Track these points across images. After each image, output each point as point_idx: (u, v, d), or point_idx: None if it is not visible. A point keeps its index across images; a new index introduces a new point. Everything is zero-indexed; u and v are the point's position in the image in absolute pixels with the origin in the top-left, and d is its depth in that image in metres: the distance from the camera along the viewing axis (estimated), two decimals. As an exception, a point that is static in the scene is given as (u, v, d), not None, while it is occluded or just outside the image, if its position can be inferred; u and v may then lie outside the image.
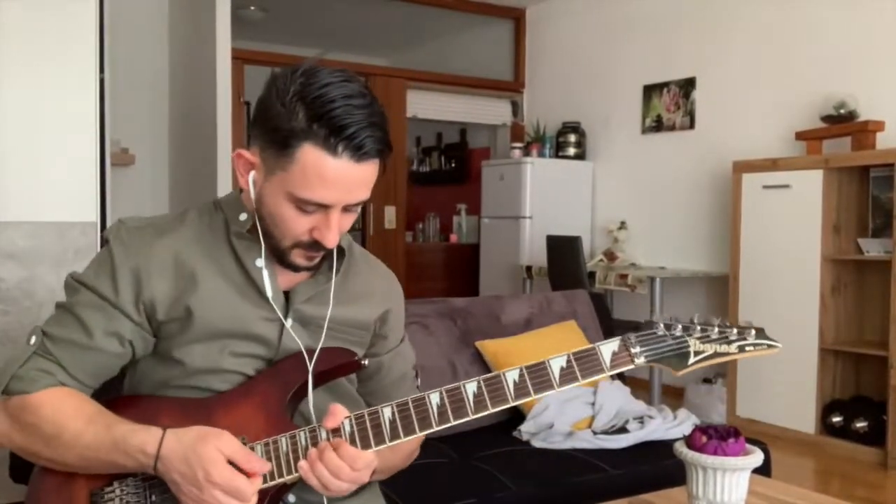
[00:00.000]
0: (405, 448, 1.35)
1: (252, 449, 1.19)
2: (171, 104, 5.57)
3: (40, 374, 1.20)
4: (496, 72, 6.76)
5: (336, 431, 1.19)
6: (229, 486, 1.12)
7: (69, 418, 1.17)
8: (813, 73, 4.46)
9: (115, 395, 1.32)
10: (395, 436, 1.19)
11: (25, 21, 2.71)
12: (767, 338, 1.21)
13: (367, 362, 1.33)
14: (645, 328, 1.24)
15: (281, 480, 1.18)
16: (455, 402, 1.19)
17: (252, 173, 1.22)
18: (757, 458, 1.40)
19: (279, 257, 1.25)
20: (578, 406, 2.54)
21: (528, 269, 5.61)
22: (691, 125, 5.22)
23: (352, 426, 1.19)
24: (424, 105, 6.55)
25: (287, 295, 1.29)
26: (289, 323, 1.28)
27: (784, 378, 4.14)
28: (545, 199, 5.82)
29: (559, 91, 6.30)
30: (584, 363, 1.21)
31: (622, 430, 2.46)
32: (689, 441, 1.43)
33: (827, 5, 4.42)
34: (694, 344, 1.22)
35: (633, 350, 1.21)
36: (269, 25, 6.81)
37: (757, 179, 4.36)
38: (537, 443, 2.45)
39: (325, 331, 1.29)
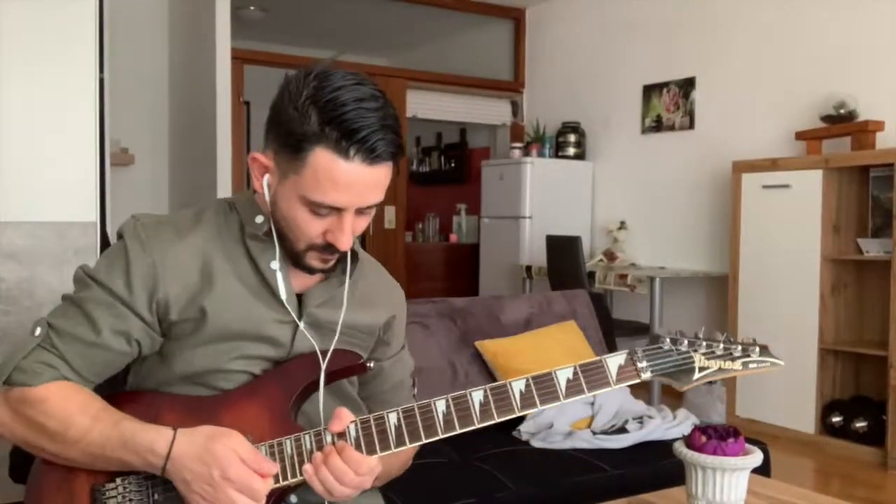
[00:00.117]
0: (403, 456, 1.35)
1: (257, 450, 1.19)
2: (171, 104, 5.57)
3: (44, 367, 1.19)
4: (496, 72, 6.76)
5: (341, 436, 1.19)
6: (245, 484, 1.13)
7: (75, 414, 1.17)
8: (813, 73, 4.46)
9: (119, 389, 1.32)
10: (400, 442, 1.19)
11: (25, 21, 2.71)
12: (771, 355, 1.23)
13: (371, 365, 1.34)
14: (651, 342, 1.25)
15: (285, 483, 1.18)
16: (461, 411, 1.19)
17: (267, 176, 1.22)
18: (756, 458, 1.40)
19: (294, 260, 1.25)
20: (578, 406, 2.54)
21: (528, 269, 5.61)
22: (691, 125, 5.22)
23: (357, 431, 1.19)
24: (424, 105, 6.55)
25: (299, 298, 1.30)
26: (302, 325, 1.28)
27: (784, 378, 4.14)
28: (545, 199, 5.82)
29: (559, 91, 6.30)
30: (591, 376, 1.22)
31: (622, 430, 2.46)
32: (689, 441, 1.43)
33: (827, 5, 4.42)
34: (699, 359, 1.23)
35: (639, 364, 1.22)
36: (269, 25, 6.81)
37: (757, 179, 4.36)
38: (537, 443, 2.45)
39: (337, 334, 1.29)
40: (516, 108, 6.74)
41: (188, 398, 1.25)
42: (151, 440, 1.15)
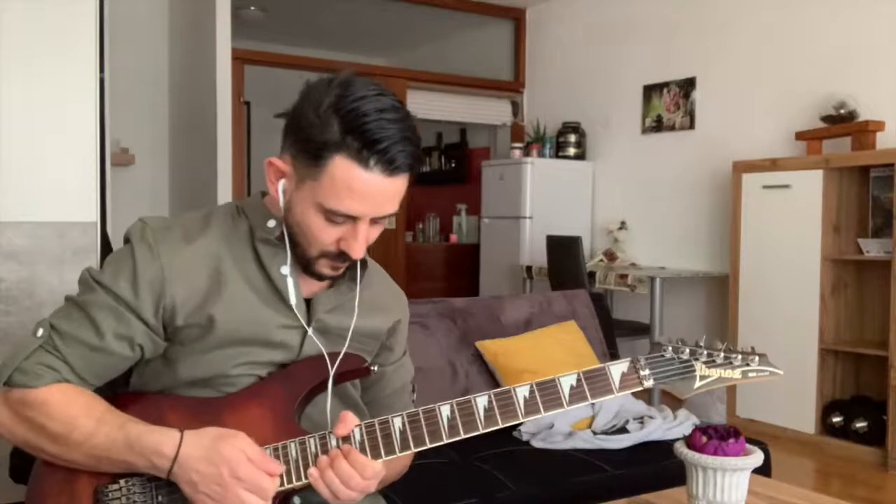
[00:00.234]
0: (402, 461, 1.36)
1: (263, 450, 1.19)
2: (171, 104, 5.57)
3: (45, 369, 1.19)
4: (496, 72, 6.76)
5: (346, 439, 1.19)
6: (254, 483, 1.13)
7: (79, 417, 1.17)
8: (813, 73, 4.46)
9: (119, 391, 1.31)
10: (405, 446, 1.19)
11: (26, 21, 2.71)
12: (770, 364, 1.26)
13: (375, 368, 1.34)
14: (653, 350, 1.27)
15: (290, 486, 1.19)
16: (465, 416, 1.20)
17: (282, 181, 1.22)
18: (757, 458, 1.40)
19: (304, 266, 1.25)
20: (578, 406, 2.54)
21: (528, 269, 5.61)
22: (691, 125, 5.22)
23: (362, 435, 1.20)
24: (424, 105, 6.54)
25: (308, 303, 1.30)
26: (311, 331, 1.28)
27: (784, 378, 4.09)
28: (545, 199, 5.82)
29: (559, 91, 6.30)
30: (594, 383, 1.23)
31: (622, 430, 2.46)
32: (689, 441, 1.43)
33: (827, 5, 4.42)
34: (700, 368, 1.26)
35: (642, 372, 1.24)
36: (269, 25, 6.81)
37: (757, 179, 4.36)
38: (537, 443, 2.45)
39: (348, 341, 1.30)
40: (516, 108, 6.74)
41: (193, 400, 1.25)
42: (158, 442, 1.15)
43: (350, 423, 1.20)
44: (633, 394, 2.73)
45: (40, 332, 1.21)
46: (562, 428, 2.46)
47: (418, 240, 7.68)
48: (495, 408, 1.20)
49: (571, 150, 5.96)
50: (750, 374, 1.25)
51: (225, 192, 4.90)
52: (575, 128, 5.97)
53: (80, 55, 2.80)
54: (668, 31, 5.35)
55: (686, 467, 1.43)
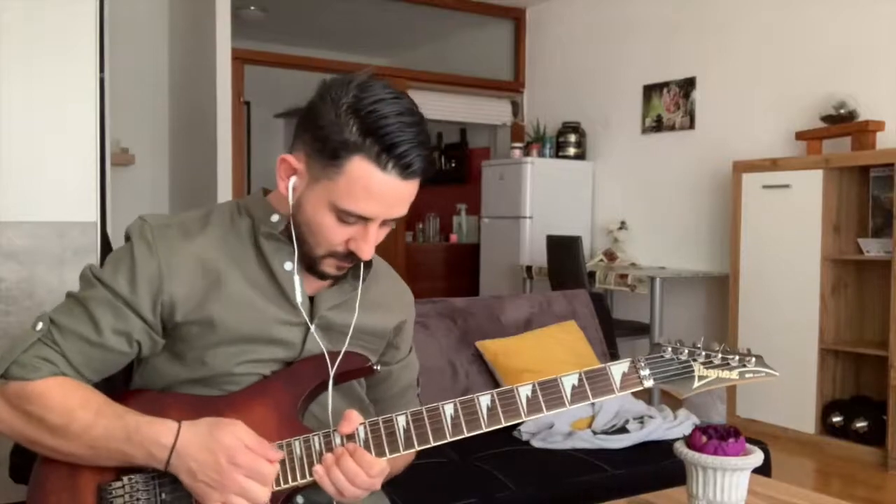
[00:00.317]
0: (408, 456, 1.36)
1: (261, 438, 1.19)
2: (171, 104, 5.57)
3: (43, 362, 1.19)
4: (496, 72, 6.76)
5: (350, 437, 1.20)
6: (253, 469, 1.14)
7: (77, 409, 1.17)
8: (813, 73, 4.46)
9: (119, 388, 1.31)
10: (408, 445, 1.20)
11: (25, 21, 2.71)
12: (766, 366, 1.28)
13: (379, 368, 1.34)
14: (652, 351, 1.29)
15: (294, 484, 1.19)
16: (469, 415, 1.21)
17: (293, 179, 1.22)
18: (757, 458, 1.40)
19: (309, 264, 1.26)
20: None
21: (528, 269, 5.61)
22: (691, 125, 5.22)
23: (366, 433, 1.20)
24: (424, 105, 6.47)
25: (311, 300, 1.30)
26: (313, 328, 1.28)
27: (784, 378, 4.11)
28: (545, 199, 5.82)
29: (559, 91, 6.30)
30: (595, 382, 1.25)
31: (622, 430, 2.46)
32: (689, 441, 1.43)
33: (827, 5, 4.42)
34: (698, 369, 1.28)
35: (641, 372, 1.26)
36: (269, 25, 6.81)
37: (757, 179, 4.36)
38: (537, 443, 2.45)
39: (348, 338, 1.30)
40: (516, 108, 6.74)
41: (195, 398, 1.25)
42: (156, 432, 1.15)
43: (354, 421, 1.20)
44: (633, 393, 2.73)
45: (39, 325, 1.22)
46: (562, 428, 2.46)
47: (418, 240, 7.68)
48: (498, 407, 1.21)
49: (571, 150, 5.96)
50: (747, 375, 1.26)
51: (225, 192, 4.90)
52: (575, 128, 5.97)
53: (80, 55, 2.80)
54: (668, 31, 5.35)
55: (686, 467, 1.43)
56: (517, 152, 6.11)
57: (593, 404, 2.56)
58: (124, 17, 4.53)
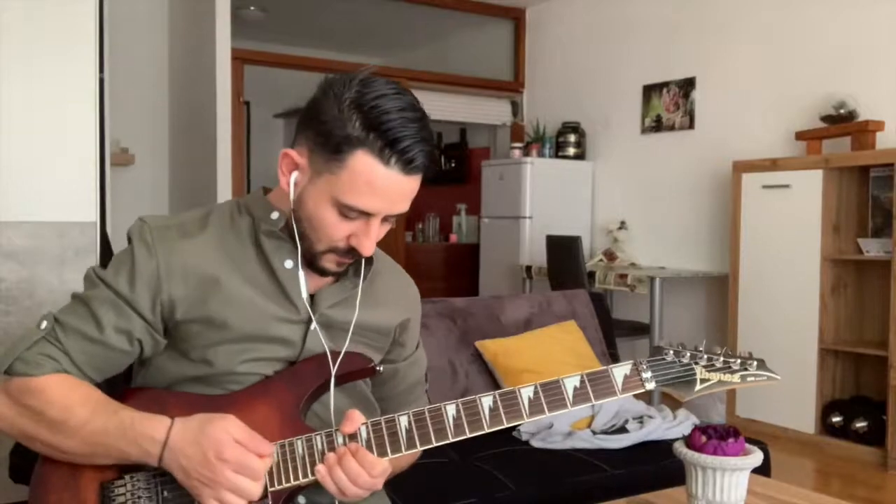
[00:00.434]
0: (410, 456, 1.36)
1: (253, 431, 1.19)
2: (171, 104, 5.57)
3: (45, 359, 1.20)
4: (496, 72, 6.76)
5: (352, 437, 1.20)
6: (241, 463, 1.13)
7: (76, 405, 1.18)
8: (813, 73, 4.46)
9: (119, 391, 1.31)
10: (411, 445, 1.20)
11: (25, 21, 2.71)
12: (768, 370, 1.28)
13: (381, 368, 1.34)
14: (654, 354, 1.29)
15: (296, 483, 1.19)
16: (471, 415, 1.21)
17: (295, 174, 1.23)
18: (756, 458, 1.40)
19: (310, 260, 1.26)
20: (578, 406, 2.54)
21: (528, 269, 5.61)
22: (691, 125, 5.22)
23: (368, 432, 1.20)
24: (424, 105, 6.42)
25: (312, 297, 1.30)
26: (313, 326, 1.28)
27: (784, 378, 4.12)
28: (545, 199, 5.82)
29: (559, 91, 6.30)
30: (597, 384, 1.25)
31: (622, 430, 2.46)
32: (689, 441, 1.43)
33: (827, 5, 4.42)
34: (700, 372, 1.28)
35: (643, 375, 1.26)
36: (269, 25, 6.81)
37: (757, 179, 4.36)
38: (537, 443, 2.45)
39: (349, 335, 1.30)
40: (516, 108, 6.74)
41: (197, 396, 1.26)
42: (150, 427, 1.16)
43: (356, 420, 1.20)
44: (634, 394, 2.73)
45: (44, 324, 1.24)
46: (561, 428, 2.46)
47: (418, 240, 7.68)
48: (500, 408, 1.21)
49: (571, 150, 5.96)
50: (748, 379, 1.27)
51: (225, 192, 4.90)
52: (575, 128, 5.97)
53: (80, 55, 2.80)
54: (668, 31, 5.35)
55: (686, 467, 1.43)
56: (517, 152, 6.11)
57: (593, 405, 2.56)
58: (124, 17, 4.54)
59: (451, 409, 1.21)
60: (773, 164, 4.29)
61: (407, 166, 1.17)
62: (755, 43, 4.81)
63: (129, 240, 1.28)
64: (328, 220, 1.20)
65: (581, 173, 5.95)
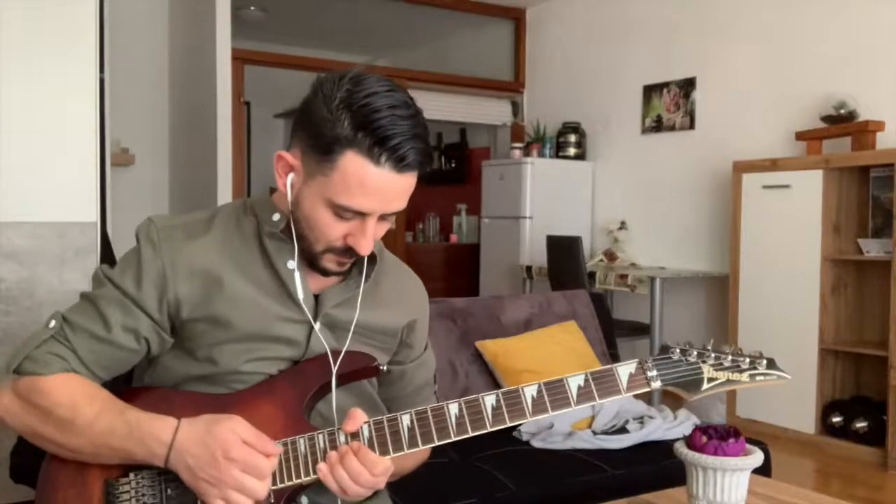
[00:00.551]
0: (420, 454, 1.36)
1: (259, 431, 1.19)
2: (171, 104, 5.57)
3: (54, 358, 1.21)
4: (496, 72, 6.76)
5: (355, 436, 1.20)
6: (249, 463, 1.13)
7: (83, 404, 1.19)
8: (813, 73, 4.46)
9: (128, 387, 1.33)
10: (412, 444, 1.20)
11: (25, 21, 2.71)
12: (778, 368, 1.26)
13: (385, 368, 1.34)
14: (661, 352, 1.28)
15: (298, 482, 1.19)
16: (473, 415, 1.20)
17: (291, 175, 1.22)
18: (757, 458, 1.40)
19: (310, 261, 1.26)
20: (578, 406, 2.54)
21: (528, 269, 5.61)
22: (691, 125, 5.22)
23: (370, 431, 1.20)
24: (424, 105, 6.35)
25: (316, 298, 1.30)
26: (317, 326, 1.28)
27: (784, 378, 4.13)
28: (545, 199, 5.82)
29: (559, 91, 6.30)
30: (602, 383, 1.24)
31: (622, 430, 2.46)
32: (689, 441, 1.43)
33: (827, 6, 4.42)
34: (708, 371, 1.26)
35: (649, 374, 1.25)
36: (269, 25, 6.81)
37: (757, 179, 4.36)
38: (537, 443, 2.45)
39: (350, 335, 1.30)
40: (516, 108, 6.74)
41: (203, 395, 1.26)
42: (156, 428, 1.16)
43: (358, 419, 1.20)
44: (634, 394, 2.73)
45: (52, 323, 1.25)
46: (562, 428, 2.46)
47: (418, 240, 7.68)
48: (503, 407, 1.21)
49: (571, 150, 5.96)
50: (758, 378, 1.24)
51: (225, 192, 4.90)
52: (575, 128, 5.97)
53: (80, 55, 2.80)
54: (668, 31, 5.35)
55: (686, 467, 1.43)
56: (517, 152, 6.11)
57: (594, 405, 2.56)
58: (124, 16, 4.54)
59: (453, 409, 1.21)
60: (773, 165, 4.29)
61: (399, 164, 1.16)
62: (755, 43, 4.81)
63: (137, 239, 1.29)
64: (324, 221, 1.20)
65: (581, 173, 5.95)
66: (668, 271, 5.00)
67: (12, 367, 1.22)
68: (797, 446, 4.06)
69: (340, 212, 1.18)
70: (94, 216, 2.84)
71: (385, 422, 1.21)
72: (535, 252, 5.67)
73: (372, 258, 1.32)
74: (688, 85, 5.22)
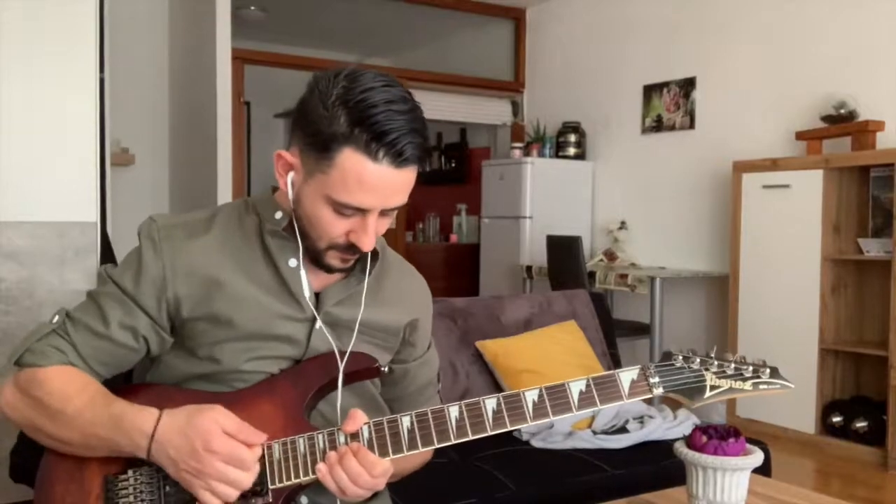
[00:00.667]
0: (422, 455, 1.35)
1: (269, 447, 1.19)
2: (171, 104, 5.57)
3: (53, 350, 1.23)
4: (496, 72, 6.76)
5: (354, 436, 1.19)
6: (230, 454, 1.13)
7: (74, 394, 1.19)
8: (813, 73, 4.46)
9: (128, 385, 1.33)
10: (412, 446, 1.19)
11: (25, 20, 2.71)
12: (781, 377, 1.24)
13: (386, 369, 1.34)
14: (663, 359, 1.27)
15: (297, 481, 1.19)
16: (474, 418, 1.20)
17: (291, 174, 1.22)
18: (757, 458, 1.40)
19: (314, 258, 1.26)
20: (578, 406, 2.54)
21: (528, 269, 5.61)
22: (691, 125, 5.22)
23: (370, 432, 1.20)
24: (424, 105, 6.28)
25: (317, 296, 1.30)
26: (318, 324, 1.28)
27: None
28: (545, 199, 5.82)
29: (559, 91, 6.30)
30: (603, 389, 1.23)
31: (622, 430, 2.46)
32: (689, 441, 1.43)
33: (827, 5, 4.42)
34: (710, 378, 1.25)
35: (651, 380, 1.24)
36: (269, 25, 6.81)
37: (757, 179, 4.36)
38: (537, 443, 2.45)
39: (355, 333, 1.30)
40: (516, 108, 6.74)
41: (203, 394, 1.26)
42: (140, 420, 1.16)
43: (359, 420, 1.20)
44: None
45: (55, 318, 1.26)
46: (562, 428, 2.46)
47: (418, 240, 7.68)
48: (504, 410, 1.20)
49: (571, 150, 5.96)
50: (761, 387, 1.23)
51: (225, 192, 4.90)
52: (575, 128, 5.97)
53: (80, 55, 2.80)
54: (668, 31, 5.35)
55: (686, 467, 1.42)
56: (517, 152, 6.11)
57: (594, 405, 2.55)
58: (124, 17, 4.54)
59: (454, 411, 1.20)
60: (773, 164, 4.29)
61: (397, 159, 1.15)
62: (755, 43, 4.81)
63: (139, 238, 1.30)
64: (325, 219, 1.20)
65: (581, 173, 5.95)
66: (668, 271, 5.00)
67: (14, 359, 1.23)
68: (797, 446, 4.06)
69: (341, 209, 1.18)
70: (94, 216, 2.84)
71: (385, 423, 1.20)
72: (535, 252, 5.67)
73: (374, 254, 1.32)
74: (688, 85, 5.22)
